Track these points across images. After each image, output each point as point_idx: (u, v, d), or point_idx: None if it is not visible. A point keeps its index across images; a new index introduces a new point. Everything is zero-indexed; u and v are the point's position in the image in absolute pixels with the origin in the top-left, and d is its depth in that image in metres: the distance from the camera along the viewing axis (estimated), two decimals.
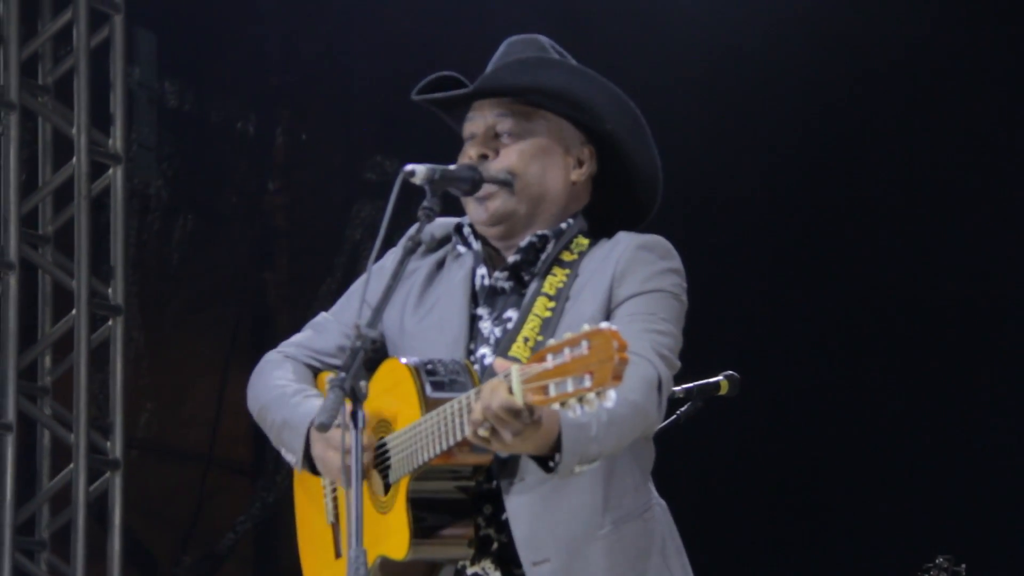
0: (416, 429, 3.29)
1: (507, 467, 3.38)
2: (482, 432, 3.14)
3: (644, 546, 3.41)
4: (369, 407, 3.36)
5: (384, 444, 3.38)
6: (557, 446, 3.19)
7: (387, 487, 3.38)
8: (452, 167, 3.49)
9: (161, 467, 7.61)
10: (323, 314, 3.66)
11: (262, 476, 7.62)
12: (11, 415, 6.71)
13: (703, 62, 7.00)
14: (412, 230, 3.44)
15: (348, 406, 3.19)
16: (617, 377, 2.93)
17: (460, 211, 3.57)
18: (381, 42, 7.23)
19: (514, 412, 3.09)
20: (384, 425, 3.40)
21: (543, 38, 3.58)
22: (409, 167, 3.43)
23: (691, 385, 4.99)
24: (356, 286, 3.53)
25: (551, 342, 3.06)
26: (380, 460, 3.39)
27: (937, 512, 6.71)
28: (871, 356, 7.02)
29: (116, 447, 6.86)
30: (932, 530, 6.57)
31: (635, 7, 7.03)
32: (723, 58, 7.06)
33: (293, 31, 7.46)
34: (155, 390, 7.56)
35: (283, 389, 3.53)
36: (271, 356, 3.63)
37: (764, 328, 6.94)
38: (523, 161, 3.46)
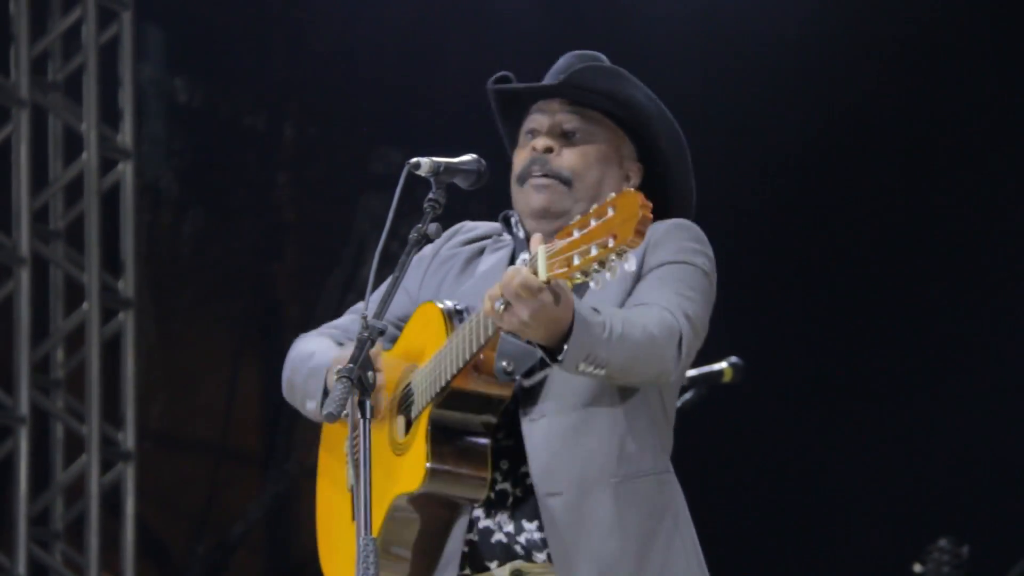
0: (440, 354, 3.34)
1: (529, 400, 3.42)
2: (498, 306, 3.15)
3: (657, 506, 3.43)
4: (399, 349, 3.42)
5: (409, 385, 3.41)
6: (566, 339, 3.21)
7: (408, 427, 3.40)
8: (457, 160, 3.54)
9: (174, 458, 7.66)
10: (360, 303, 3.71)
11: (273, 466, 7.67)
12: (24, 408, 6.78)
13: (700, 50, 7.03)
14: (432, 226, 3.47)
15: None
16: (640, 234, 2.95)
17: (463, 205, 3.61)
18: (388, 35, 7.26)
19: (531, 288, 3.12)
20: (412, 367, 3.44)
21: (601, 55, 3.62)
22: (414, 159, 3.48)
23: (694, 372, 5.04)
24: (381, 287, 3.50)
25: (578, 217, 3.11)
26: (404, 402, 3.43)
27: (940, 495, 6.73)
28: (873, 339, 7.04)
29: (128, 439, 6.92)
30: (935, 513, 6.60)
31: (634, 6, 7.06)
32: (719, 46, 7.09)
33: (301, 25, 7.50)
34: (167, 382, 7.61)
35: (313, 351, 3.56)
36: (306, 334, 3.68)
37: (767, 314, 6.97)
38: (586, 163, 3.52)
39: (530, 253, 3.16)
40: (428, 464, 3.32)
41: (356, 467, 3.28)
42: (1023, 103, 6.94)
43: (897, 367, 6.99)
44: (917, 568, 6.14)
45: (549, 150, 3.52)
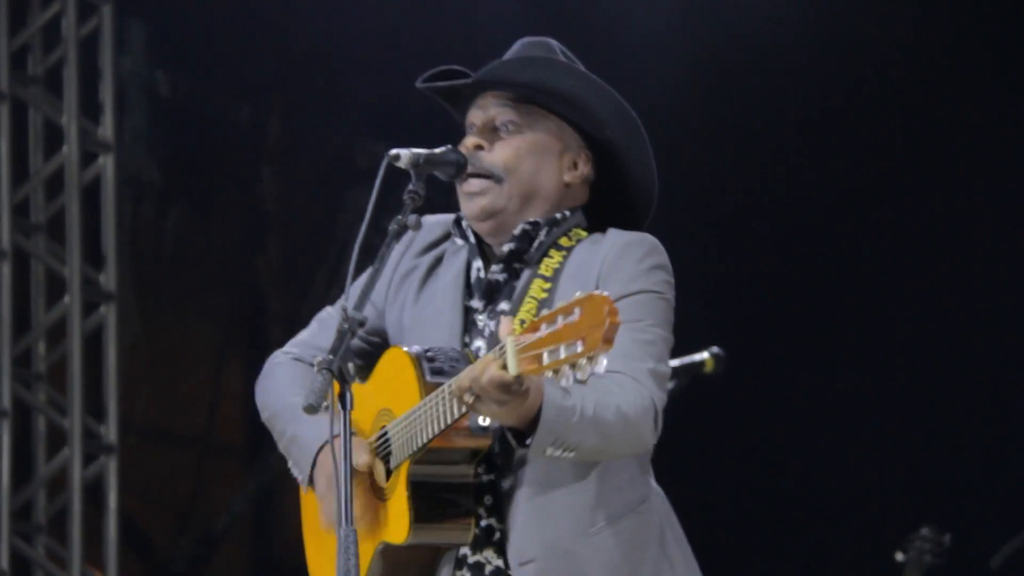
0: (415, 413, 3.34)
1: (504, 462, 3.42)
2: (467, 398, 3.18)
3: (642, 539, 3.43)
4: (371, 397, 3.43)
5: (386, 432, 3.42)
6: (536, 423, 3.23)
7: (388, 475, 3.42)
8: (437, 151, 3.53)
9: (158, 452, 7.65)
10: (327, 308, 3.70)
11: (258, 460, 7.66)
12: (6, 402, 6.78)
13: (684, 46, 7.03)
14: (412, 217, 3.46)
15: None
16: (608, 341, 2.96)
17: (447, 197, 3.61)
18: (373, 29, 7.25)
19: (502, 386, 3.14)
20: (386, 413, 3.45)
21: (553, 41, 3.60)
22: (394, 151, 3.47)
23: (676, 363, 5.04)
24: (361, 278, 3.51)
25: (545, 311, 3.10)
26: (382, 449, 3.43)
27: (922, 483, 6.74)
28: (856, 329, 7.05)
29: (111, 432, 6.92)
30: (917, 501, 6.61)
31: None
32: (704, 41, 7.09)
33: (285, 18, 7.48)
34: (151, 375, 7.60)
35: (294, 399, 3.49)
36: (279, 358, 3.66)
37: (747, 304, 6.97)
38: (517, 156, 3.50)
39: (499, 339, 3.15)
40: (412, 522, 3.34)
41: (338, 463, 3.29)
42: (983, 88, 6.95)
43: (880, 357, 6.99)
44: (899, 556, 6.15)
45: (479, 147, 3.51)
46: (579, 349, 2.98)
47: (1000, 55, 6.95)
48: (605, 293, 3.00)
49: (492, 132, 3.52)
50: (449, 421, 3.26)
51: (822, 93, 7.02)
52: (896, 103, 7.06)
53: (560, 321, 3.01)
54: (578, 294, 3.05)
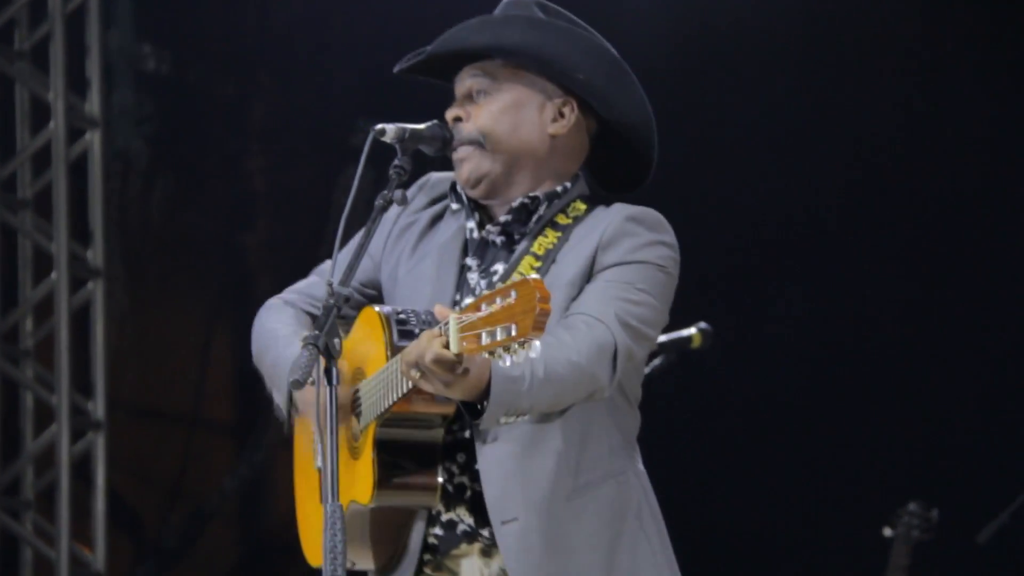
0: (381, 375, 3.36)
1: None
2: (414, 374, 3.19)
3: (619, 509, 3.43)
4: (349, 354, 3.42)
5: (358, 392, 3.43)
6: (487, 394, 3.24)
7: (361, 433, 3.44)
8: (422, 126, 3.53)
9: (146, 427, 7.65)
10: (327, 261, 3.71)
11: (247, 435, 7.66)
12: None
13: (674, 28, 7.03)
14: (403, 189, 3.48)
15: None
16: (538, 328, 2.98)
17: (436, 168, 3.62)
18: (361, 2, 7.23)
19: (444, 363, 3.15)
20: (360, 372, 3.46)
21: (531, 2, 3.58)
22: (379, 126, 3.48)
23: (663, 338, 5.04)
24: (357, 237, 3.53)
25: (486, 291, 3.12)
26: (356, 406, 3.44)
27: (910, 459, 6.75)
28: (843, 306, 7.05)
29: (99, 408, 6.91)
30: (905, 477, 6.62)
31: None
32: (692, 22, 7.08)
33: None
34: (138, 351, 7.59)
35: (277, 332, 3.59)
36: (271, 302, 3.70)
37: (736, 281, 6.97)
38: (492, 119, 3.50)
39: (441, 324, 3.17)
40: (376, 485, 3.36)
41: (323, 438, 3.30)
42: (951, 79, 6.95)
43: (868, 333, 7.00)
44: (887, 532, 6.17)
45: (458, 119, 3.51)
46: (512, 333, 3.01)
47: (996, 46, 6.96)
48: (538, 277, 3.02)
49: (469, 100, 3.53)
50: (404, 391, 3.27)
51: (812, 69, 7.01)
52: (886, 81, 7.06)
53: (498, 303, 3.03)
54: (514, 277, 3.06)
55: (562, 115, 3.51)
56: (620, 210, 3.47)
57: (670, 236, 3.46)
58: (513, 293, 3.02)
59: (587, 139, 3.55)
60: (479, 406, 3.26)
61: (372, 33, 7.09)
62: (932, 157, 6.98)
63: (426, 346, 3.17)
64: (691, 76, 7.03)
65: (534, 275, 3.07)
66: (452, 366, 3.16)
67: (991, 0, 6.96)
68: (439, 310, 3.21)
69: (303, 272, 3.76)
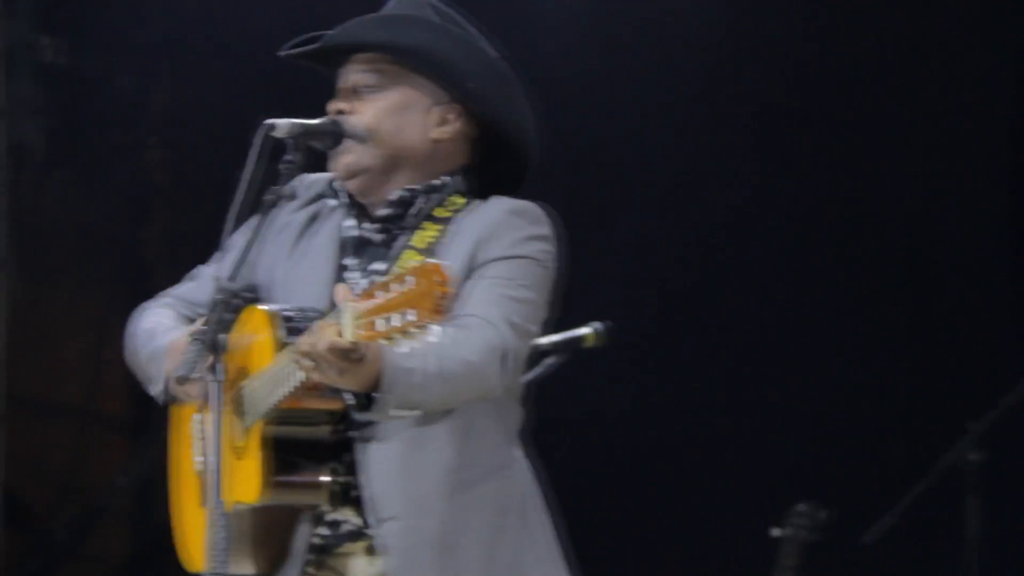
0: (268, 372, 3.35)
1: (362, 421, 3.43)
2: (306, 364, 3.19)
3: (501, 504, 3.46)
4: (231, 353, 3.41)
5: (242, 389, 3.42)
6: (378, 385, 3.23)
7: (246, 433, 3.43)
8: (315, 121, 3.54)
9: (39, 422, 7.59)
10: (203, 266, 3.71)
11: (142, 432, 7.62)
12: None
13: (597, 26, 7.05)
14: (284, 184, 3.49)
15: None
16: (438, 311, 3.00)
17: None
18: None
19: (338, 352, 3.15)
20: (243, 372, 3.45)
21: None
22: (270, 121, 3.48)
23: (557, 337, 5.05)
24: (235, 239, 3.54)
25: (381, 279, 3.13)
26: (239, 406, 3.43)
27: (799, 460, 6.80)
28: (732, 304, 7.08)
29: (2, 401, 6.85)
30: (794, 478, 6.67)
31: None
32: (620, 21, 7.10)
33: None
34: (33, 344, 7.53)
35: (155, 330, 3.60)
36: (148, 305, 3.71)
37: (628, 278, 7.00)
38: (377, 117, 3.52)
39: (338, 309, 3.16)
40: (262, 483, 3.36)
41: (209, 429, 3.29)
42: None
43: (759, 332, 7.04)
44: (776, 532, 6.21)
45: (342, 112, 3.53)
46: (411, 317, 3.02)
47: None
48: (438, 261, 3.03)
49: (354, 95, 3.54)
50: (295, 384, 3.27)
51: (717, 63, 7.05)
52: (791, 80, 7.10)
53: (394, 289, 3.04)
54: (412, 262, 3.08)
55: (447, 120, 3.54)
56: (499, 204, 3.50)
57: (549, 230, 3.50)
58: (411, 279, 3.02)
59: (468, 144, 3.57)
60: (371, 398, 3.24)
61: (274, 25, 7.06)
62: (811, 156, 7.04)
63: (320, 335, 3.15)
64: (601, 76, 7.05)
65: (433, 259, 3.08)
66: (347, 354, 3.15)
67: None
68: (340, 289, 3.18)
69: (208, 263, 3.76)
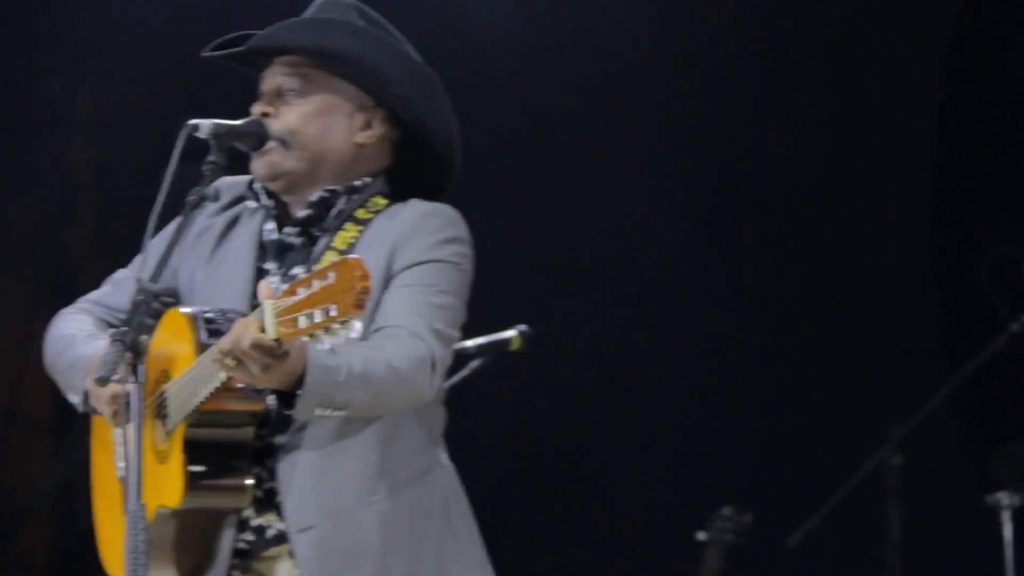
0: (190, 373, 3.33)
1: (285, 425, 3.42)
2: (228, 362, 3.18)
3: (424, 509, 3.45)
4: (152, 357, 3.40)
5: (164, 393, 3.41)
6: (301, 384, 3.22)
7: (168, 436, 3.42)
8: (239, 122, 3.53)
9: None
10: (121, 271, 3.69)
11: (65, 435, 7.57)
12: None
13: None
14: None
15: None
16: (359, 306, 2.99)
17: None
18: (197, 1, 7.18)
19: (262, 348, 3.14)
20: (164, 375, 3.43)
21: (353, 2, 3.60)
22: (193, 121, 3.47)
23: (482, 340, 5.06)
24: (154, 242, 3.51)
25: (302, 275, 3.12)
26: (161, 409, 3.42)
27: (723, 464, 6.83)
28: (658, 308, 7.10)
29: None
30: (719, 482, 6.70)
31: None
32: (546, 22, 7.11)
33: None
34: None
35: (74, 336, 3.57)
36: (66, 311, 3.68)
37: (548, 282, 7.01)
38: (302, 120, 3.52)
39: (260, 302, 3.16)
40: (185, 487, 3.34)
41: (129, 437, 3.28)
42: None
43: (683, 336, 7.06)
44: (701, 536, 6.24)
45: (266, 115, 3.53)
46: (333, 313, 3.01)
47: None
48: (357, 257, 3.03)
49: (278, 98, 3.53)
50: (217, 384, 3.26)
51: (650, 71, 7.08)
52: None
53: (315, 285, 3.04)
54: (332, 258, 3.08)
55: (370, 125, 3.55)
56: (414, 207, 3.50)
57: (463, 231, 3.51)
58: (331, 274, 3.02)
59: (391, 149, 3.58)
60: (294, 396, 3.24)
61: (200, 26, 7.03)
62: (738, 163, 7.08)
63: (242, 332, 3.14)
64: (527, 78, 7.07)
65: (353, 255, 3.08)
66: (270, 350, 3.14)
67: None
68: (262, 286, 3.18)
69: (127, 266, 3.74)
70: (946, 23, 7.15)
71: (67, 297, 3.81)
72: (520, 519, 6.59)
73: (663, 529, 6.59)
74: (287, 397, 3.26)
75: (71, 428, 7.50)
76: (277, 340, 3.12)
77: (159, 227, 3.50)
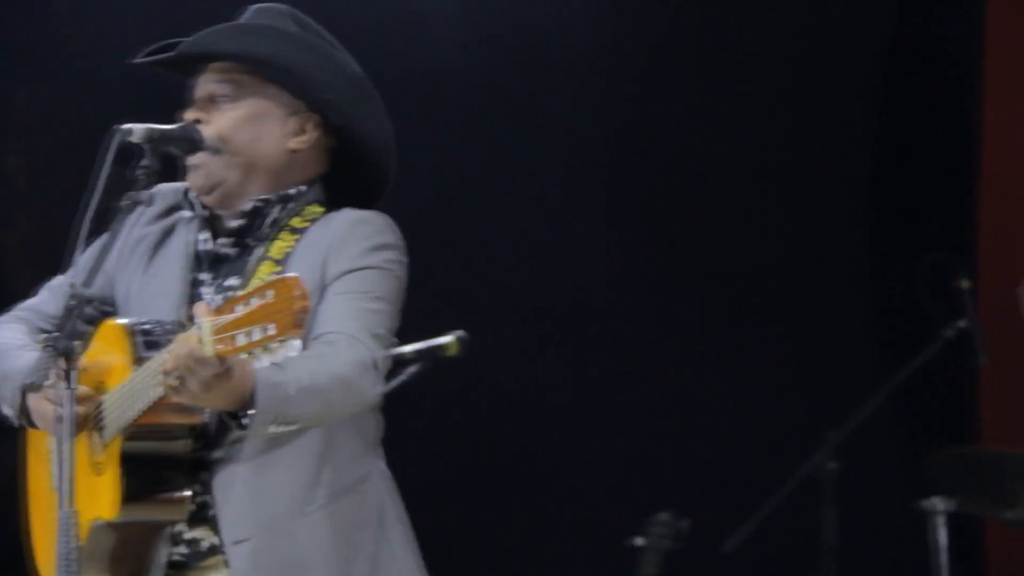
0: (126, 387, 3.32)
1: (220, 438, 3.41)
2: (171, 382, 3.17)
3: (359, 518, 3.46)
4: (88, 370, 3.39)
5: (101, 404, 3.40)
6: (252, 403, 3.22)
7: (105, 448, 3.41)
8: (173, 127, 3.52)
9: None
10: (58, 277, 3.67)
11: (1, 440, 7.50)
12: None
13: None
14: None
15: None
16: (297, 325, 3.00)
17: None
18: (135, 5, 7.15)
19: (202, 361, 3.13)
20: (101, 387, 3.43)
21: (287, 8, 3.61)
22: (126, 126, 3.46)
23: (420, 345, 5.05)
24: (91, 248, 3.52)
25: (240, 292, 3.11)
26: (98, 421, 3.41)
27: (660, 470, 6.84)
28: (594, 313, 7.11)
29: None
30: (656, 487, 6.71)
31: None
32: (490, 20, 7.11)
33: None
34: None
35: (8, 346, 3.54)
36: (1, 319, 3.60)
37: (491, 287, 7.01)
38: (232, 127, 3.51)
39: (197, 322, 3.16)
40: (122, 497, 3.34)
41: (62, 447, 3.26)
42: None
43: (619, 341, 7.07)
44: (637, 541, 6.25)
45: (197, 121, 3.52)
46: (271, 332, 3.02)
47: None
48: (296, 275, 3.03)
49: (210, 104, 3.52)
50: (153, 399, 3.24)
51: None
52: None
53: (254, 303, 3.04)
54: (271, 276, 3.07)
55: (304, 131, 3.54)
56: (345, 215, 3.51)
57: (395, 237, 3.52)
58: (269, 292, 3.02)
59: (325, 155, 3.58)
60: (244, 417, 3.22)
61: (136, 31, 7.00)
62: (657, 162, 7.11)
63: (183, 348, 3.12)
64: (468, 83, 7.06)
65: (292, 273, 3.08)
66: (209, 363, 3.13)
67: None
68: (198, 307, 3.17)
69: (63, 272, 3.73)
70: (885, 24, 7.19)
71: (3, 302, 3.79)
72: (457, 524, 6.58)
73: (600, 534, 6.60)
74: (238, 418, 3.25)
75: (3, 435, 7.44)
76: (217, 357, 3.11)
77: (92, 232, 3.48)
